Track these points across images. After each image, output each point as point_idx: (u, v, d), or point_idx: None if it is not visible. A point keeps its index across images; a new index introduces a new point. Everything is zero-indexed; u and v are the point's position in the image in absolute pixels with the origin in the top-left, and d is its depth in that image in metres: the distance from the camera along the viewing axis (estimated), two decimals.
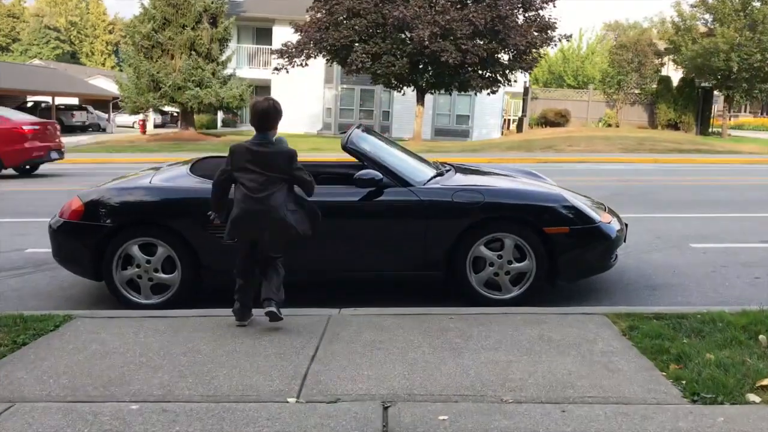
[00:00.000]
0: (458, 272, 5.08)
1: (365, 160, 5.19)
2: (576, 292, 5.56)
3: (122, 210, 5.11)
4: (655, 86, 35.52)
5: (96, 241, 5.07)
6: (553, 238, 5.03)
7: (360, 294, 5.40)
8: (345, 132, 5.66)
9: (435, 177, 5.45)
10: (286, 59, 26.24)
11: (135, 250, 5.08)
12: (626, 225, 5.73)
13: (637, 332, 4.16)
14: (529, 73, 31.23)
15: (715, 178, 14.98)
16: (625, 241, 5.61)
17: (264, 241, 4.30)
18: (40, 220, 7.50)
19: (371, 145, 5.57)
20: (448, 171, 5.84)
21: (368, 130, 6.01)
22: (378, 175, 4.99)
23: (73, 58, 79.23)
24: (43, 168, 16.30)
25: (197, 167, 5.63)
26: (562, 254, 5.06)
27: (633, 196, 11.15)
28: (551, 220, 5.06)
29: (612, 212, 5.69)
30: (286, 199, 4.22)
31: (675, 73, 36.78)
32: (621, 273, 6.07)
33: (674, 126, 33.69)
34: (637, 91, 35.97)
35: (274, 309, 4.26)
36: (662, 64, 37.12)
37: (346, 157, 5.38)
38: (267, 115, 4.39)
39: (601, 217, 5.27)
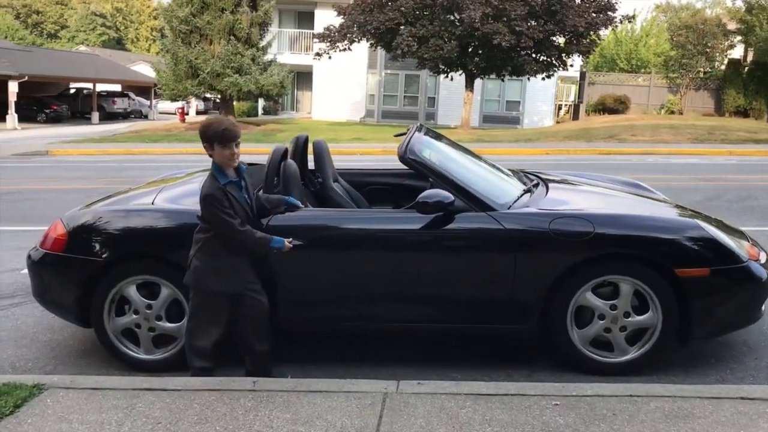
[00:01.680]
0: (555, 326, 3.79)
1: (431, 174, 3.91)
2: (691, 351, 4.20)
3: (116, 239, 3.93)
4: (723, 70, 33.15)
5: (82, 279, 3.92)
6: (687, 282, 3.68)
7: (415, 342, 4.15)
8: (401, 136, 4.39)
9: (521, 196, 4.14)
10: (328, 44, 24.98)
11: (132, 292, 3.91)
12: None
13: None
14: (587, 57, 29.30)
15: None
16: None
17: None
18: None
19: (437, 152, 4.28)
20: (536, 186, 4.51)
21: (430, 131, 4.72)
22: (448, 196, 3.69)
23: (119, 44, 79.39)
24: (69, 160, 15.42)
25: None
26: (697, 304, 3.71)
27: (730, 201, 9.57)
28: (685, 258, 3.71)
29: (756, 243, 4.28)
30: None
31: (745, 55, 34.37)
32: None
33: (743, 113, 31.33)
34: (703, 75, 33.65)
35: None
36: (732, 46, 34.64)
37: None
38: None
39: (747, 252, 3.90)
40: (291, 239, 3.56)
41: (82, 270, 3.92)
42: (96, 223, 3.99)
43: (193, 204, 4.03)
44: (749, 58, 33.66)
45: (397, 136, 4.62)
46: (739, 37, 33.22)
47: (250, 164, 5.32)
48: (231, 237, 3.43)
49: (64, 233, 4.01)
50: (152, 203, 4.13)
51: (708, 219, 4.21)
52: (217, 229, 3.44)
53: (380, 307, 3.89)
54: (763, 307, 3.96)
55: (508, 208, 3.86)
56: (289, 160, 4.12)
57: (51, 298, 4.12)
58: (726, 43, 34.20)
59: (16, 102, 28.29)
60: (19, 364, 4.11)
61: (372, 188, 5.29)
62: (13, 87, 27.88)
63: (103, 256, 3.89)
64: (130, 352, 4.00)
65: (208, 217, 3.44)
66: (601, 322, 3.77)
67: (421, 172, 3.94)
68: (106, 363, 4.08)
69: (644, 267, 3.69)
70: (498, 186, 4.22)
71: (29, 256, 4.20)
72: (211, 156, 3.49)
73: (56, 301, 4.09)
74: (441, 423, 3.05)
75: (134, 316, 3.93)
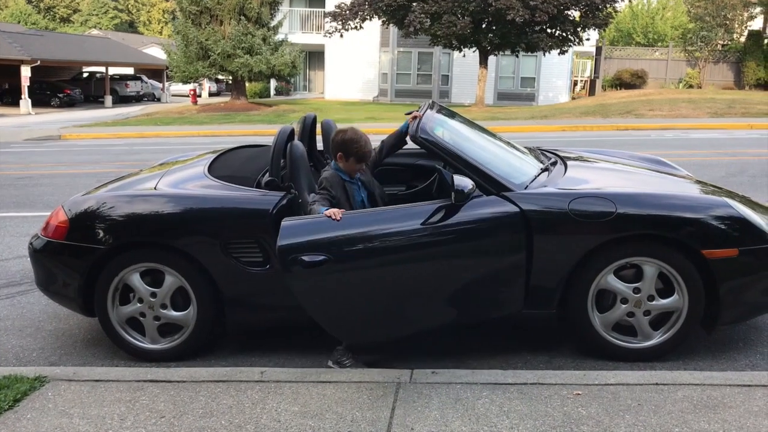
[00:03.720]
0: (576, 311, 3.61)
1: (443, 155, 3.71)
2: (717, 335, 4.01)
3: (117, 226, 3.79)
4: (742, 42, 32.40)
5: (85, 267, 3.79)
6: (715, 263, 3.48)
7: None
8: (412, 114, 4.19)
9: (539, 176, 3.94)
10: (340, 22, 24.68)
11: (136, 280, 3.78)
12: None
13: None
14: (603, 31, 28.73)
15: None
16: None
17: None
18: None
19: (450, 131, 4.09)
20: (554, 164, 4.31)
21: (443, 108, 4.52)
22: (469, 183, 3.45)
23: (131, 27, 79.26)
24: (81, 144, 15.37)
25: (217, 166, 4.28)
26: (725, 286, 3.52)
27: (753, 176, 9.28)
28: (713, 238, 3.51)
29: None
30: None
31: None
32: None
33: (764, 86, 30.64)
34: (722, 48, 32.92)
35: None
36: (752, 17, 33.82)
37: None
38: None
39: None
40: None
41: (84, 258, 3.79)
42: (97, 209, 3.85)
43: (197, 188, 3.90)
44: None
45: (408, 114, 4.44)
46: (759, 8, 32.40)
47: (257, 146, 5.19)
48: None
49: (65, 220, 3.88)
50: (155, 188, 3.98)
51: (736, 196, 4.00)
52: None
53: (412, 309, 3.62)
54: None
55: (525, 188, 3.66)
56: (296, 141, 3.95)
57: (53, 288, 4.00)
58: (746, 15, 33.43)
59: (29, 87, 28.30)
60: (23, 354, 4.02)
61: (382, 168, 5.10)
62: (25, 71, 27.88)
63: (105, 243, 3.76)
64: (136, 342, 3.87)
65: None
66: (624, 306, 3.58)
67: (433, 151, 3.74)
68: (112, 353, 3.97)
69: (669, 248, 3.50)
70: (514, 165, 4.02)
71: (31, 244, 4.09)
72: (337, 163, 3.76)
73: (59, 290, 3.97)
74: (457, 415, 2.90)
75: (138, 305, 3.81)
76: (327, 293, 3.37)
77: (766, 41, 31.41)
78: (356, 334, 3.57)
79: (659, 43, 37.99)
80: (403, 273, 3.42)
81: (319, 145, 4.79)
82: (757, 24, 35.24)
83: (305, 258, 3.26)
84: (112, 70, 36.94)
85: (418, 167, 5.04)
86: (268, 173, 3.93)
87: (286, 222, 3.38)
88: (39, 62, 28.36)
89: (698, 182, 4.38)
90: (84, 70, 38.38)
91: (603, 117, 20.67)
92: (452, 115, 4.54)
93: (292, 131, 4.18)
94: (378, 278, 3.39)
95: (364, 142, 3.72)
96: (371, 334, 3.58)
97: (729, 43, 33.18)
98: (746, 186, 8.25)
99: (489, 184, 3.61)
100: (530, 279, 3.57)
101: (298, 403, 3.05)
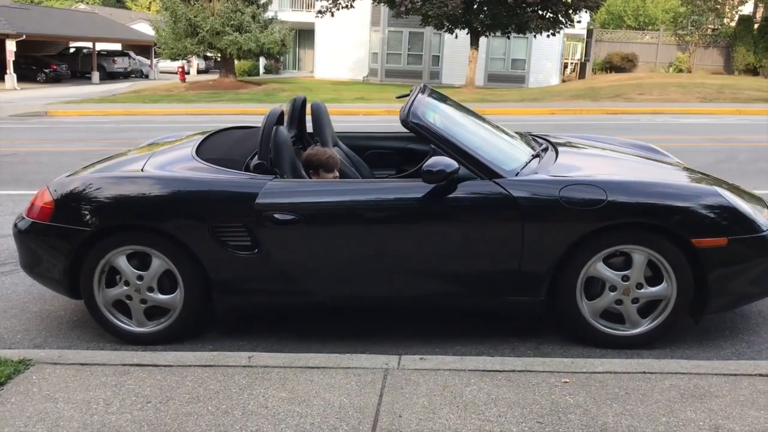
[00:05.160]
0: (564, 298, 3.61)
1: (434, 140, 3.69)
2: (704, 324, 4.04)
3: (104, 208, 3.74)
4: (733, 27, 32.40)
5: (71, 249, 3.74)
6: (704, 252, 3.49)
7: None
8: (404, 97, 4.17)
9: (530, 162, 3.93)
10: (331, 1, 24.45)
11: (122, 263, 3.74)
12: None
13: None
14: (594, 13, 28.62)
15: None
16: None
17: None
18: None
19: (441, 115, 4.06)
20: (545, 150, 4.29)
21: (434, 92, 4.48)
22: (452, 164, 3.48)
23: (119, 2, 78.05)
24: (68, 121, 15.20)
25: (206, 148, 4.22)
26: (714, 275, 3.53)
27: (742, 163, 9.30)
28: (702, 227, 3.51)
29: None
30: None
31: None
32: None
33: (753, 71, 30.68)
34: (712, 33, 32.89)
35: None
36: (742, 2, 33.79)
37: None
38: None
39: (766, 220, 3.70)
40: None
41: (70, 240, 3.74)
42: (84, 190, 3.80)
43: (185, 171, 3.85)
44: (759, 14, 32.86)
45: (399, 97, 4.39)
46: None
47: (247, 127, 5.13)
48: None
49: (50, 201, 3.83)
50: (142, 170, 3.93)
51: (726, 185, 4.00)
52: None
53: (381, 282, 3.71)
54: None
55: (516, 175, 3.65)
56: (281, 127, 3.90)
57: (38, 269, 3.94)
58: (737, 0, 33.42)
59: (14, 62, 27.89)
60: (8, 336, 3.97)
61: (373, 152, 5.08)
62: (10, 46, 27.46)
63: (91, 225, 3.71)
64: (122, 325, 3.84)
65: None
66: (612, 293, 3.59)
67: (424, 136, 3.72)
68: (98, 335, 3.94)
69: (659, 236, 3.50)
70: (505, 151, 4.00)
71: (15, 225, 4.02)
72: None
73: (44, 271, 3.92)
74: (445, 402, 2.90)
75: (125, 288, 3.77)
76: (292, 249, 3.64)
77: (756, 26, 31.40)
78: (320, 289, 3.74)
79: (650, 27, 37.98)
80: (375, 242, 3.62)
81: (309, 128, 4.74)
82: (747, 9, 35.23)
83: (277, 216, 3.54)
84: (100, 46, 36.44)
85: (408, 151, 5.01)
86: (257, 156, 3.88)
87: (270, 183, 3.65)
88: (24, 36, 27.96)
89: (687, 170, 4.38)
90: (71, 45, 37.91)
91: (593, 100, 20.67)
92: (444, 99, 4.50)
93: (282, 114, 4.13)
94: (349, 244, 3.64)
95: (321, 153, 4.06)
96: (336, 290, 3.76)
97: (719, 27, 33.20)
98: (735, 173, 8.29)
99: (480, 170, 3.60)
100: (520, 266, 3.57)
101: (286, 389, 3.04)
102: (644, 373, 3.13)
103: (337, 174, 4.06)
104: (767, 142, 11.54)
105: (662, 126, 14.66)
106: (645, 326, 3.65)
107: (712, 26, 33.00)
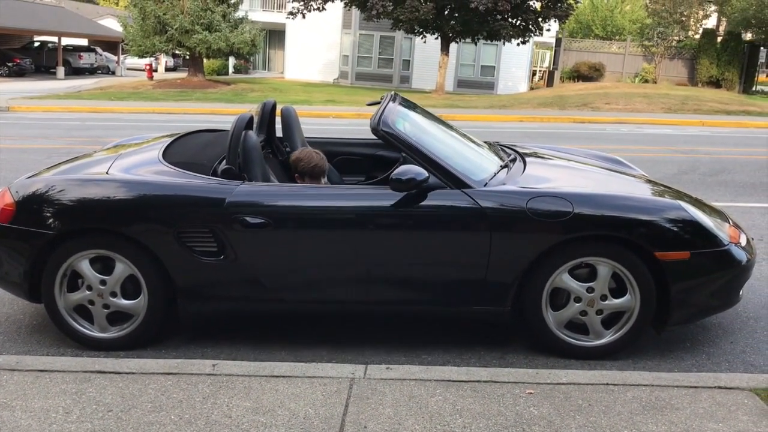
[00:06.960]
0: (530, 309, 3.65)
1: (405, 149, 3.70)
2: (666, 335, 4.11)
3: (67, 211, 3.67)
4: (697, 39, 33.08)
5: (32, 252, 3.66)
6: (667, 265, 3.55)
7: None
8: (375, 105, 4.18)
9: (498, 173, 3.96)
10: (302, 3, 24.38)
11: (85, 267, 3.67)
12: (752, 239, 4.22)
13: None
14: (564, 23, 29.01)
15: None
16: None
17: None
18: None
19: (411, 124, 4.07)
20: (513, 161, 4.33)
21: (404, 100, 4.49)
22: (422, 173, 3.50)
23: None
24: (31, 117, 14.88)
25: (173, 151, 4.16)
26: (676, 287, 3.59)
27: (704, 175, 9.49)
28: (666, 240, 3.57)
29: (737, 225, 4.17)
30: None
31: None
32: None
33: (716, 83, 31.39)
34: (677, 45, 33.55)
35: None
36: (707, 16, 34.56)
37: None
38: None
39: (728, 235, 3.79)
40: None
41: (32, 242, 3.66)
42: (46, 192, 3.72)
43: (151, 174, 3.80)
44: (723, 28, 33.66)
45: (370, 104, 4.39)
46: (714, 7, 33.16)
47: (216, 130, 5.08)
48: None
49: (11, 203, 3.74)
50: (107, 173, 3.86)
51: (688, 198, 4.08)
52: None
53: (349, 289, 3.70)
54: (741, 291, 3.87)
55: (484, 185, 3.67)
56: (249, 132, 3.87)
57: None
58: (701, 13, 34.17)
59: None
60: None
61: (343, 158, 5.06)
62: None
63: (54, 228, 3.63)
64: (83, 330, 3.76)
65: None
66: (577, 304, 3.63)
67: (394, 145, 3.72)
68: (58, 341, 3.86)
69: (624, 249, 3.56)
70: (474, 161, 4.03)
71: None
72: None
73: (3, 274, 3.82)
74: (410, 413, 2.90)
75: (87, 292, 3.70)
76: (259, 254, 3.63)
77: (719, 40, 32.14)
78: (286, 295, 3.72)
79: (617, 37, 38.56)
80: (343, 249, 3.62)
81: (279, 133, 4.71)
82: (711, 22, 36.07)
83: (248, 219, 3.53)
84: (65, 41, 35.74)
85: (378, 158, 5.02)
86: (225, 161, 3.84)
87: (242, 186, 3.62)
88: None
89: (651, 182, 4.45)
90: (35, 39, 37.09)
91: (560, 109, 20.93)
92: (414, 107, 4.51)
93: (251, 119, 4.09)
94: (312, 248, 3.62)
95: (307, 159, 4.09)
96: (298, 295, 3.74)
97: (684, 40, 33.87)
98: (697, 184, 8.46)
99: (449, 180, 3.62)
100: (487, 275, 3.60)
101: (250, 399, 3.01)
102: (607, 384, 3.17)
103: (326, 180, 4.18)
104: (728, 154, 11.80)
105: (627, 136, 14.90)
106: (608, 337, 3.70)
107: (678, 38, 33.66)
